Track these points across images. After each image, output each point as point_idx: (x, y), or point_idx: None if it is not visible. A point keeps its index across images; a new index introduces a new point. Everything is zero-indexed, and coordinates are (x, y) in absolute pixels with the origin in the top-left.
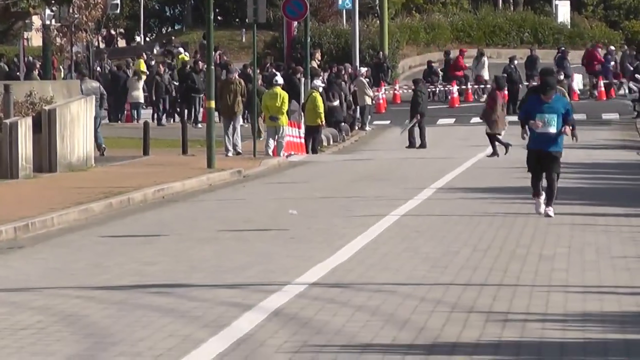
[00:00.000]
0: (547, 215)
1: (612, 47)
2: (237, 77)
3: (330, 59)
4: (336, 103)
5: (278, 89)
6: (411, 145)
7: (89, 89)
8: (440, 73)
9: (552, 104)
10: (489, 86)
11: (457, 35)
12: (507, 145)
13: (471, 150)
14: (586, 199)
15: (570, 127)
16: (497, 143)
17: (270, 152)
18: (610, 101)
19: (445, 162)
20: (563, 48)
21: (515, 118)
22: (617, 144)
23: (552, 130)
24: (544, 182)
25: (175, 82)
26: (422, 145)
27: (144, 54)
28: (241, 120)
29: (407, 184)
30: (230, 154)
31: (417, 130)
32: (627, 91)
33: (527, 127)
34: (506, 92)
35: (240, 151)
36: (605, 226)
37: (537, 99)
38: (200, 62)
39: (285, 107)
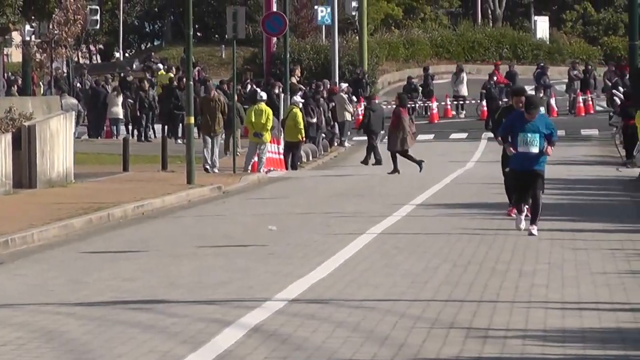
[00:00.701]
0: (531, 234)
1: None
2: (216, 93)
3: (310, 75)
4: (314, 120)
5: (263, 106)
6: (377, 162)
7: (68, 105)
8: (420, 89)
9: (535, 122)
10: (467, 102)
11: (437, 51)
12: (420, 163)
13: (450, 166)
14: (566, 214)
15: (551, 147)
16: (403, 160)
17: (249, 168)
18: (589, 117)
19: (424, 178)
20: (542, 64)
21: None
22: (596, 160)
23: (534, 150)
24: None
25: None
26: (376, 162)
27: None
28: (220, 139)
29: (386, 200)
30: (210, 170)
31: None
32: (607, 106)
33: (509, 141)
34: (485, 108)
35: (217, 171)
36: (584, 242)
37: (519, 116)
38: (185, 78)
39: (270, 124)
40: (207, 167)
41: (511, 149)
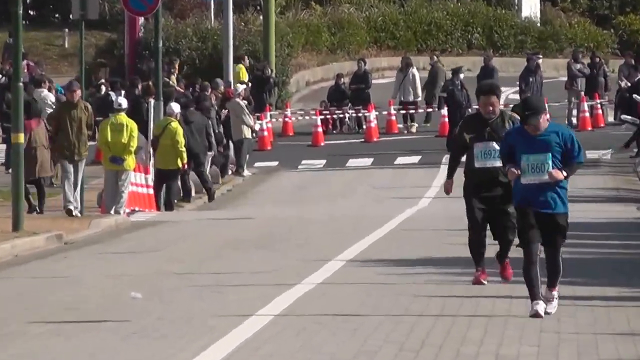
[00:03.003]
0: (549, 301)
1: None
2: (80, 97)
3: (193, 71)
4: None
5: (123, 117)
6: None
7: None
8: (348, 92)
9: (544, 137)
10: (421, 110)
11: (376, 37)
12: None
13: (396, 205)
14: (565, 275)
15: (564, 173)
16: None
17: (114, 209)
18: (599, 131)
19: (358, 222)
20: (536, 55)
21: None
22: (608, 195)
23: (545, 177)
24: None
25: None
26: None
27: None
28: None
29: (304, 254)
30: (74, 211)
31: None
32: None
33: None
34: (447, 119)
35: (79, 214)
36: (591, 313)
37: (519, 132)
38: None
39: (135, 144)
40: (71, 207)
41: (513, 169)
